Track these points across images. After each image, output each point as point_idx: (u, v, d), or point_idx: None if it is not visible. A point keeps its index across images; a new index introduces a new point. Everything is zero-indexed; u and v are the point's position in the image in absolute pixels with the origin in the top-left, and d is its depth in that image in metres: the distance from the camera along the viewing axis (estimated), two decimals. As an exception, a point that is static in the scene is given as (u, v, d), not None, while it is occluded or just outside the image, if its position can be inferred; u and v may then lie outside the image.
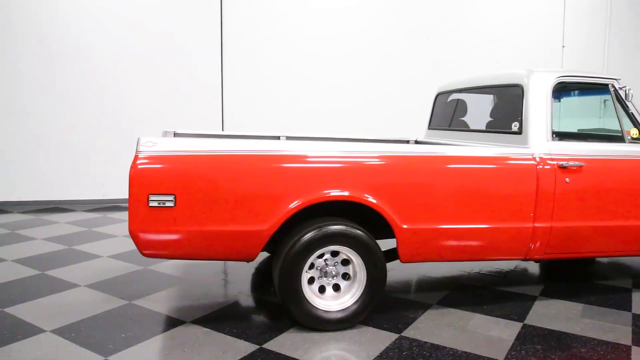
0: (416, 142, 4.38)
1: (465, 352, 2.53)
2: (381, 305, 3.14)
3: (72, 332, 2.67)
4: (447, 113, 4.08)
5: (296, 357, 2.45)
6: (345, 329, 2.76)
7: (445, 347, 2.58)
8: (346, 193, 2.67)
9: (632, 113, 3.25)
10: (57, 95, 6.08)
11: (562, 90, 3.80)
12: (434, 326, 2.84)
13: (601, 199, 3.09)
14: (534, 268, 4.00)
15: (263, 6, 6.61)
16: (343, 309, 2.76)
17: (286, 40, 6.74)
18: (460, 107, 3.95)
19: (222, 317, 2.92)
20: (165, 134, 3.87)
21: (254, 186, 2.59)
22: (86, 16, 6.10)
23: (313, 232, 2.66)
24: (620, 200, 3.12)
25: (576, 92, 4.13)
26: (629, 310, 3.13)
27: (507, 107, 3.29)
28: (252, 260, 2.72)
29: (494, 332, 2.78)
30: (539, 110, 3.09)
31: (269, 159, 2.60)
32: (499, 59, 7.17)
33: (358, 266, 2.78)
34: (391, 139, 4.32)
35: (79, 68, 6.11)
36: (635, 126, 3.26)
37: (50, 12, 5.98)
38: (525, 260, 3.12)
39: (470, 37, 7.21)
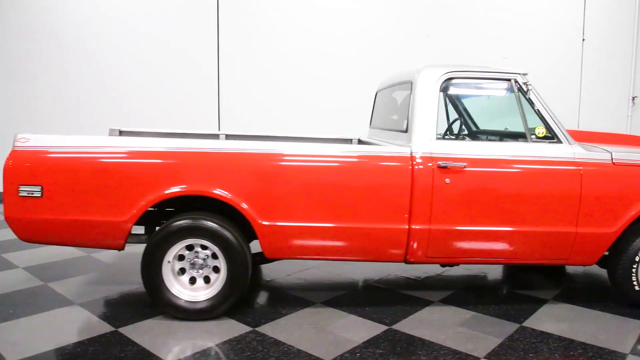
0: (359, 141, 4.33)
1: (298, 350, 2.53)
2: (262, 299, 3.20)
3: (-28, 306, 3.04)
4: (381, 111, 3.99)
5: (136, 342, 2.59)
6: (206, 319, 2.86)
7: (285, 344, 2.60)
8: (195, 188, 2.77)
9: (537, 110, 3.01)
10: (59, 92, 6.59)
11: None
12: (295, 324, 2.85)
13: (487, 201, 2.89)
14: (457, 275, 3.80)
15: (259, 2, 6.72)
16: (202, 301, 2.86)
17: (284, 38, 6.83)
18: (390, 105, 3.85)
19: (108, 302, 3.14)
20: (111, 132, 4.18)
21: (111, 180, 2.76)
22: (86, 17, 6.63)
23: (170, 224, 2.80)
24: (510, 203, 2.90)
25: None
26: (521, 322, 2.91)
27: (403, 104, 3.19)
28: (120, 249, 2.91)
29: (350, 333, 2.73)
30: (422, 107, 2.97)
31: (124, 155, 2.77)
32: (510, 54, 6.77)
33: (221, 260, 2.87)
34: (333, 137, 4.32)
35: (80, 67, 6.57)
36: (545, 124, 3.01)
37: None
38: (408, 263, 3.01)
39: (479, 32, 6.87)
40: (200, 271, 2.92)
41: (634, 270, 3.04)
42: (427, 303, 3.19)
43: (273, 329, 2.77)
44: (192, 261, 2.91)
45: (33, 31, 6.50)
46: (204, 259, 2.91)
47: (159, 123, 6.26)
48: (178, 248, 2.86)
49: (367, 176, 2.87)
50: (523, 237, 2.95)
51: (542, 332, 2.78)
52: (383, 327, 2.82)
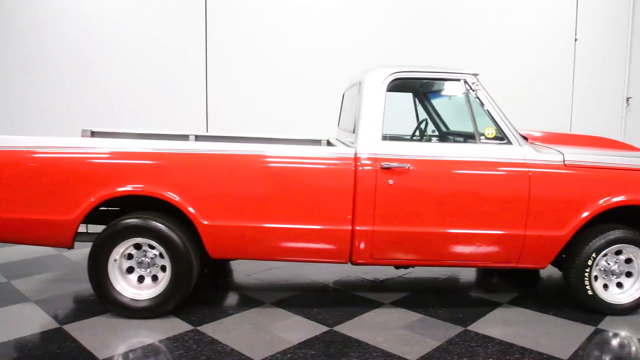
0: (328, 142, 4.32)
1: (232, 349, 2.54)
2: (213, 299, 3.22)
3: None
4: (344, 111, 3.98)
5: (76, 338, 2.63)
6: (151, 317, 2.88)
7: (221, 343, 2.61)
8: (140, 188, 2.80)
9: (487, 110, 2.96)
10: (49, 93, 6.70)
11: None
12: (237, 323, 2.86)
13: (432, 203, 2.86)
14: (417, 277, 3.76)
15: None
16: (145, 299, 2.89)
17: (272, 38, 6.82)
18: (350, 105, 3.84)
19: (62, 299, 3.19)
20: (83, 132, 4.25)
21: (58, 180, 2.81)
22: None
23: (117, 223, 2.84)
24: (455, 205, 2.86)
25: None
26: (466, 325, 2.87)
27: (355, 105, 3.18)
28: (69, 247, 2.95)
29: (289, 334, 2.73)
30: (368, 108, 2.95)
31: (70, 155, 2.81)
32: (501, 55, 6.67)
33: (167, 260, 2.89)
34: (303, 138, 4.31)
35: (72, 69, 6.67)
36: (494, 125, 2.96)
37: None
38: (354, 264, 2.99)
39: (469, 32, 6.78)
40: (148, 270, 2.96)
41: (586, 274, 2.97)
42: (377, 305, 3.17)
43: (214, 329, 2.79)
44: (140, 260, 2.95)
45: (23, 31, 6.63)
46: (151, 258, 2.95)
47: (152, 124, 6.33)
48: (125, 247, 2.90)
49: (311, 177, 2.87)
50: (469, 239, 2.90)
51: (484, 336, 2.74)
52: (324, 328, 2.81)
